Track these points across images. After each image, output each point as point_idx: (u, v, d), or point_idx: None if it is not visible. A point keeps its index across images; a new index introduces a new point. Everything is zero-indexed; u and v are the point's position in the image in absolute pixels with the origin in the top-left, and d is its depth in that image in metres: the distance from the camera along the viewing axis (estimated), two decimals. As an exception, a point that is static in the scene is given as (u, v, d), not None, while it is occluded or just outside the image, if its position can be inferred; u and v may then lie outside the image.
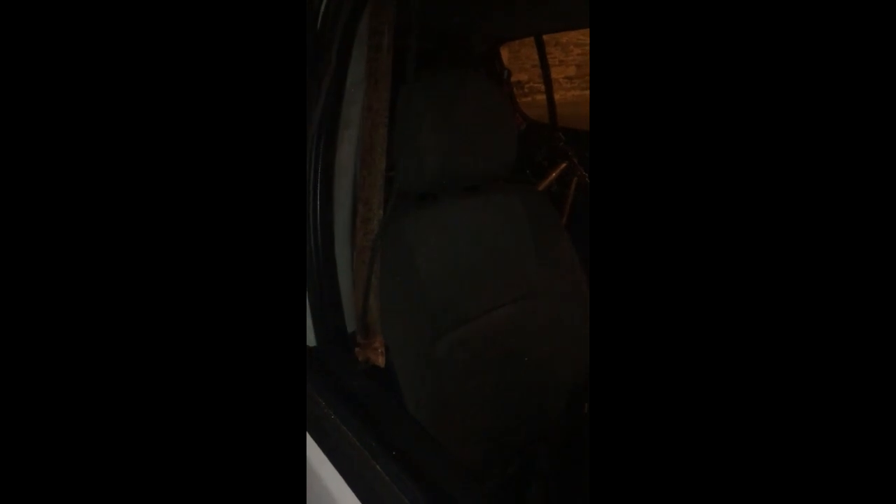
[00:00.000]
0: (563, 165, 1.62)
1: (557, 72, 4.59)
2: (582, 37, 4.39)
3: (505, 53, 2.42)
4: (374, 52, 0.76)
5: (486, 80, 1.16)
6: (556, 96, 2.15)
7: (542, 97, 2.54)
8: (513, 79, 2.29)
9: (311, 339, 0.79)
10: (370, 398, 0.68)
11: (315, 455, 0.63)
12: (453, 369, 1.10)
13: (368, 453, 0.59)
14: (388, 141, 0.78)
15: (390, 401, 0.70)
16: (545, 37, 1.87)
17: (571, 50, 4.58)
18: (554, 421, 1.18)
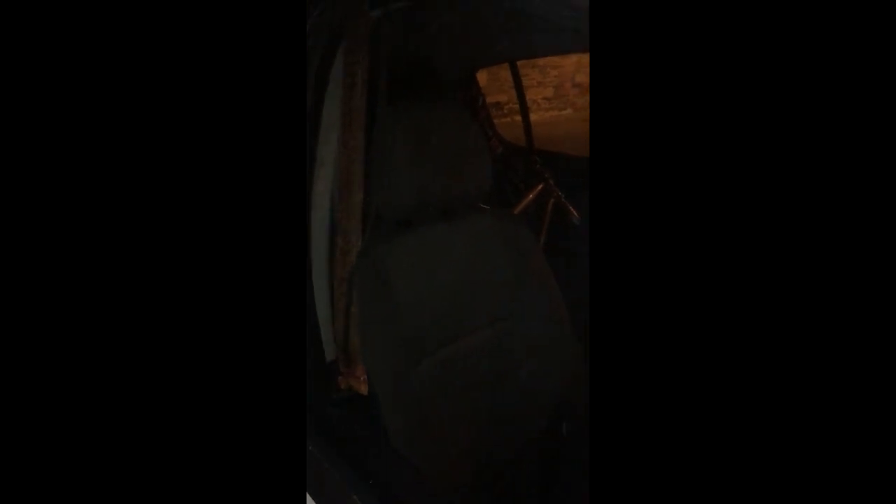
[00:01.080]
0: (540, 187, 1.65)
1: (535, 93, 4.68)
2: (559, 59, 4.48)
3: (483, 76, 2.47)
4: (348, 91, 0.79)
5: (459, 108, 1.19)
6: (535, 117, 2.19)
7: (521, 118, 2.59)
8: (492, 100, 2.33)
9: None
10: (348, 427, 0.70)
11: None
12: (433, 394, 1.11)
13: (348, 484, 0.60)
14: (365, 175, 0.80)
15: (368, 430, 0.71)
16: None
17: (549, 72, 4.68)
18: (534, 443, 1.19)
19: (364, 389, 0.82)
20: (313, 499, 0.62)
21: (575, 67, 4.76)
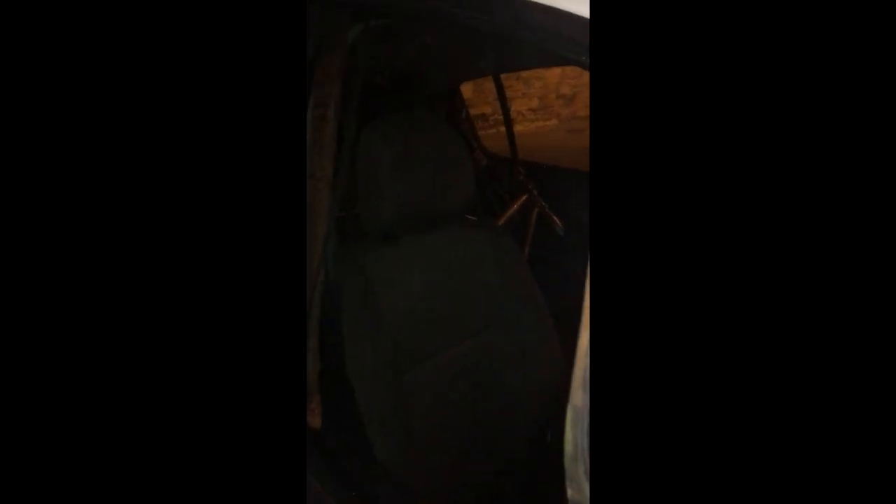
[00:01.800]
0: (524, 198, 1.67)
1: (520, 104, 4.72)
2: (543, 71, 4.53)
3: (468, 88, 2.49)
4: (318, 122, 0.80)
5: (443, 120, 1.21)
6: (520, 128, 2.22)
7: (503, 129, 2.62)
8: (477, 112, 2.35)
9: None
10: (330, 439, 0.70)
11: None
12: (419, 404, 1.11)
13: (331, 496, 0.60)
14: (331, 206, 0.81)
15: (351, 441, 0.72)
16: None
17: (533, 83, 4.73)
18: (521, 452, 1.20)
19: (318, 423, 0.82)
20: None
21: (559, 79, 4.81)
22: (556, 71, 4.64)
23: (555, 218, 1.63)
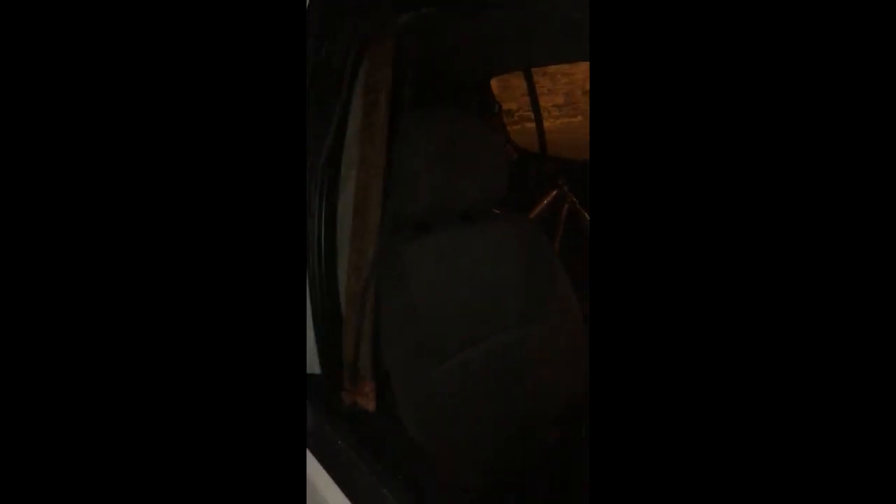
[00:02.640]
0: (554, 193, 1.67)
1: (546, 100, 4.69)
2: (568, 67, 4.50)
3: (495, 84, 2.49)
4: (370, 108, 0.80)
5: (477, 114, 1.21)
6: (546, 124, 2.21)
7: (531, 125, 2.60)
8: (504, 107, 2.35)
9: (315, 367, 0.81)
10: (375, 424, 0.71)
11: (323, 480, 0.65)
12: (450, 398, 1.11)
13: (378, 480, 0.61)
14: (384, 191, 0.81)
15: (395, 427, 0.72)
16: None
17: (559, 79, 4.70)
18: (550, 448, 1.20)
19: (372, 406, 0.82)
20: (345, 494, 0.63)
21: (585, 75, 4.78)
22: (583, 66, 4.60)
23: (585, 213, 1.63)
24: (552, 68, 4.18)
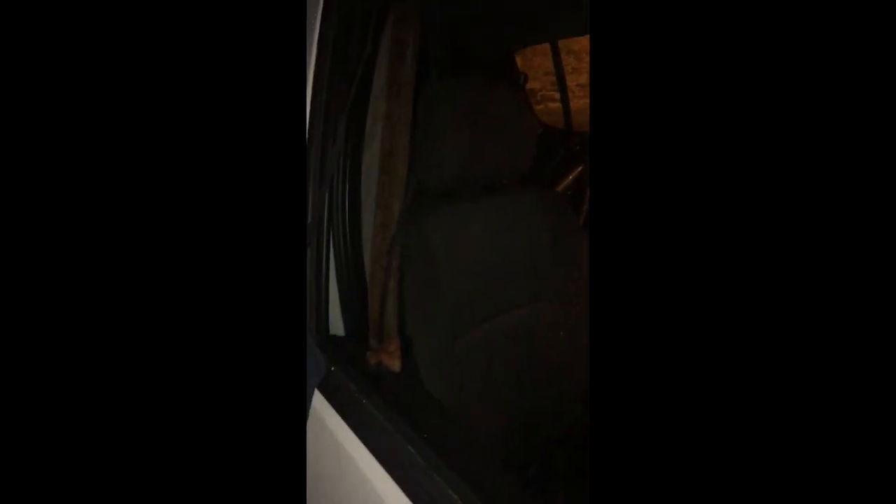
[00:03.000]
0: (580, 168, 1.64)
1: (570, 79, 4.59)
2: (594, 45, 4.40)
3: (518, 62, 2.45)
4: (397, 62, 0.78)
5: (505, 84, 1.18)
6: (570, 104, 2.17)
7: (554, 105, 2.54)
8: (527, 86, 2.31)
9: (340, 329, 0.81)
10: (399, 384, 0.70)
11: (349, 439, 0.65)
12: (472, 369, 1.11)
13: (402, 437, 0.60)
14: (410, 148, 0.80)
15: (418, 387, 0.72)
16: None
17: (583, 58, 4.60)
18: (571, 424, 1.19)
19: (397, 365, 0.81)
20: (370, 451, 0.63)
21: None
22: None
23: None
24: (577, 46, 4.09)
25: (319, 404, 0.71)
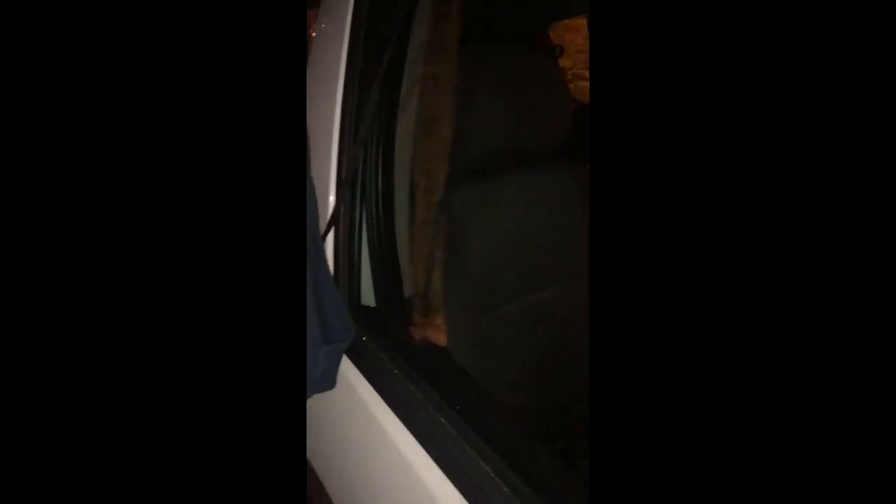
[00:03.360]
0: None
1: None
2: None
3: (553, 33, 2.38)
4: (440, 21, 0.76)
5: (543, 55, 1.15)
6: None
7: (584, 84, 2.47)
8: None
9: (371, 301, 0.80)
10: (429, 356, 0.69)
11: (380, 408, 0.65)
12: (499, 346, 1.10)
13: (434, 409, 0.60)
14: (454, 110, 0.77)
15: (447, 359, 0.71)
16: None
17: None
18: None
19: (443, 340, 0.80)
20: (401, 421, 0.62)
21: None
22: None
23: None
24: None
25: (350, 372, 0.71)
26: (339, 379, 0.71)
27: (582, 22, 2.05)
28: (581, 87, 3.22)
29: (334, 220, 0.77)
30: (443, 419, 0.58)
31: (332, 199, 0.78)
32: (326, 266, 0.65)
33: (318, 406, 0.74)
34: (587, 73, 2.21)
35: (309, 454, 0.83)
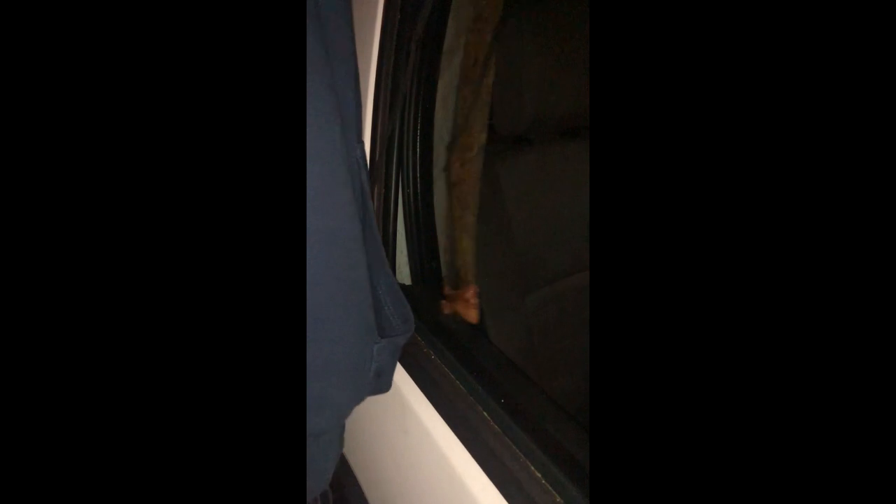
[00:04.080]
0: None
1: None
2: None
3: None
4: None
5: (584, 21, 1.06)
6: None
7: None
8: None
9: (406, 278, 0.75)
10: (466, 338, 0.64)
11: (415, 396, 0.60)
12: (541, 326, 1.04)
13: (473, 399, 0.54)
14: (496, 59, 0.70)
15: (485, 342, 0.65)
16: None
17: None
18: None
19: (474, 316, 0.73)
20: (436, 410, 0.57)
21: None
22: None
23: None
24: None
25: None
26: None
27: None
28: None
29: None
30: (482, 410, 0.53)
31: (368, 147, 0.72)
32: (380, 247, 0.57)
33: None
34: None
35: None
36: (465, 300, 0.74)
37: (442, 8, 0.70)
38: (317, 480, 0.58)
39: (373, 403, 0.57)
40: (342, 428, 0.58)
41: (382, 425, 0.70)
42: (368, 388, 0.56)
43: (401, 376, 0.63)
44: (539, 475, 0.46)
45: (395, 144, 0.70)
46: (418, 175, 0.72)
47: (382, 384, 0.57)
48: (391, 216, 0.72)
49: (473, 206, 0.74)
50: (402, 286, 0.75)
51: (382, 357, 0.55)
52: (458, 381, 0.57)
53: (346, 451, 0.78)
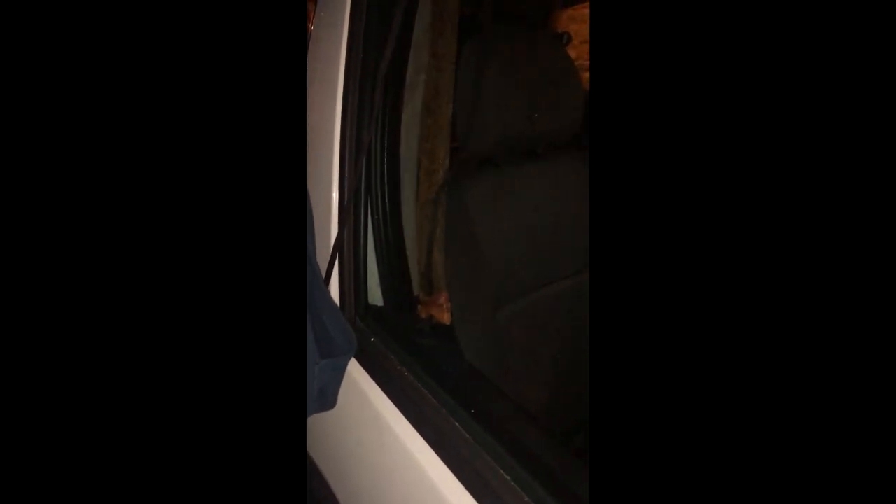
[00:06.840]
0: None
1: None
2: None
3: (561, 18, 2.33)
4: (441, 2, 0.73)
5: (554, 40, 1.11)
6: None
7: (588, 74, 2.43)
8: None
9: (379, 300, 0.77)
10: (440, 355, 0.66)
11: (390, 411, 0.62)
12: (513, 340, 1.07)
13: (447, 411, 0.57)
14: (455, 88, 0.74)
15: (459, 359, 0.68)
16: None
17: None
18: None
19: (447, 318, 0.77)
20: (411, 424, 0.59)
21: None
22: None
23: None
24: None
25: (358, 374, 0.68)
26: (348, 381, 0.68)
27: (587, 11, 2.01)
28: (584, 77, 3.18)
29: (342, 223, 0.74)
30: (455, 422, 0.55)
31: (335, 196, 0.75)
32: (320, 278, 0.63)
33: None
34: (588, 65, 2.16)
35: (319, 458, 0.80)
36: (438, 305, 0.78)
37: (403, 47, 0.74)
38: None
39: (349, 419, 0.59)
40: None
41: (358, 439, 0.71)
42: (313, 406, 0.61)
43: (376, 392, 0.65)
44: (508, 477, 0.48)
45: (363, 175, 0.73)
46: (387, 199, 0.75)
47: (327, 402, 0.64)
48: (361, 241, 0.75)
49: (442, 222, 0.77)
50: (375, 307, 0.77)
51: (324, 375, 0.61)
52: (430, 395, 0.59)
53: (322, 465, 0.79)
